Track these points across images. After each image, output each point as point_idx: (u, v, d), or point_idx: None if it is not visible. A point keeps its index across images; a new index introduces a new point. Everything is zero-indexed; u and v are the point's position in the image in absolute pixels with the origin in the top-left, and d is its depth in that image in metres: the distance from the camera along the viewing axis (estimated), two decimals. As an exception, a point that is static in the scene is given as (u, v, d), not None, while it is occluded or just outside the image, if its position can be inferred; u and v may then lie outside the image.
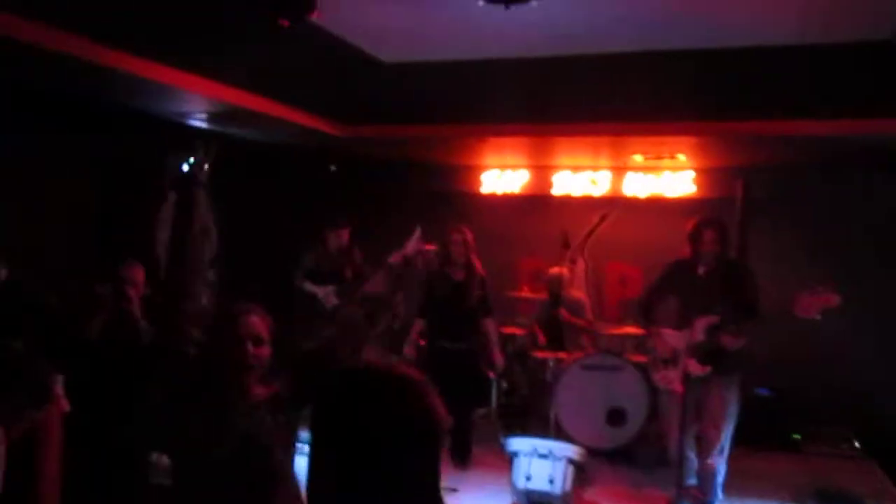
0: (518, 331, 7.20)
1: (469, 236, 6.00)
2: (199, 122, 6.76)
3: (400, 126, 6.71)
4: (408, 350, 6.10)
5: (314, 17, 4.10)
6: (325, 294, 7.18)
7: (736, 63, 5.24)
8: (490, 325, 6.06)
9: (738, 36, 4.97)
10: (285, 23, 3.93)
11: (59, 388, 3.53)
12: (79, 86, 5.66)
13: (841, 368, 6.96)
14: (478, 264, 6.03)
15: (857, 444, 6.86)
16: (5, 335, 4.11)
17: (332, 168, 8.54)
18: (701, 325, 5.02)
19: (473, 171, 8.42)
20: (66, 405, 3.52)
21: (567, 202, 8.12)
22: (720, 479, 5.18)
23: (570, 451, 5.04)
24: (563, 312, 6.96)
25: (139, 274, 4.99)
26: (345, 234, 7.28)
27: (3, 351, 3.27)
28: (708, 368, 5.03)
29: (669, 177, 7.74)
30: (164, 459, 3.77)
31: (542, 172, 8.22)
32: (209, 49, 5.06)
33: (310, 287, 7.22)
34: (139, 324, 4.73)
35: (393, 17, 5.11)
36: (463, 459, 6.06)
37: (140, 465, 4.20)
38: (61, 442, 3.43)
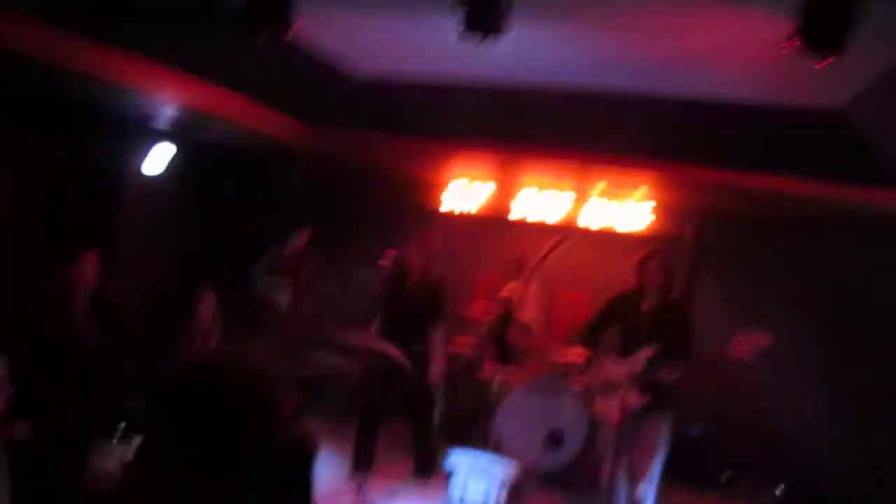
0: (465, 348, 7.31)
1: (432, 243, 6.03)
2: (165, 124, 6.76)
3: (365, 135, 6.77)
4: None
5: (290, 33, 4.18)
6: (280, 292, 7.24)
7: (699, 113, 5.46)
8: (438, 330, 6.02)
9: (704, 88, 5.21)
10: (262, 37, 3.99)
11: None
12: (42, 82, 5.56)
13: (771, 416, 7.18)
14: (435, 269, 6.06)
15: (778, 493, 7.07)
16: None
17: (297, 170, 8.55)
18: (642, 357, 5.18)
19: (434, 187, 8.49)
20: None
21: (524, 225, 8.22)
22: (647, 509, 5.34)
23: (506, 469, 5.15)
24: (512, 335, 7.09)
25: (88, 270, 4.88)
26: (302, 240, 7.34)
27: None
28: (646, 399, 5.19)
29: (627, 209, 7.92)
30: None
31: (502, 193, 8.32)
32: (180, 49, 5.06)
33: (265, 284, 7.26)
34: (75, 320, 4.68)
35: (369, 34, 5.24)
36: (423, 469, 6.12)
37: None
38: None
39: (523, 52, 5.06)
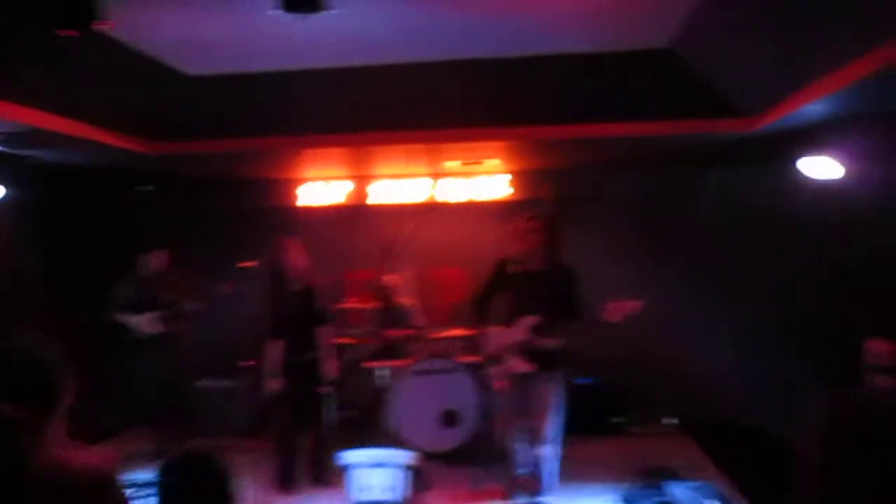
0: (351, 341, 7.16)
1: (298, 249, 5.86)
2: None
3: (214, 141, 6.48)
4: (272, 385, 5.82)
5: (109, 29, 3.91)
6: (146, 322, 6.83)
7: (538, 70, 5.50)
8: (324, 332, 5.92)
9: (539, 44, 5.25)
10: (73, 33, 3.70)
11: None
12: None
13: (655, 356, 7.43)
14: (308, 274, 5.92)
15: (674, 421, 7.37)
16: None
17: (149, 189, 8.12)
18: (524, 325, 5.15)
19: (293, 185, 8.28)
20: None
21: (388, 211, 8.16)
22: (553, 468, 5.35)
23: (406, 457, 5.06)
24: (394, 323, 6.98)
25: None
26: (163, 258, 6.97)
27: None
28: (533, 366, 5.18)
29: (486, 180, 7.99)
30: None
31: (361, 182, 8.21)
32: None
33: (125, 317, 6.85)
34: None
35: (194, 29, 4.96)
36: (322, 476, 5.93)
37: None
38: None
39: (352, 34, 4.94)
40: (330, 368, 5.89)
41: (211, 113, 6.17)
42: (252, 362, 5.84)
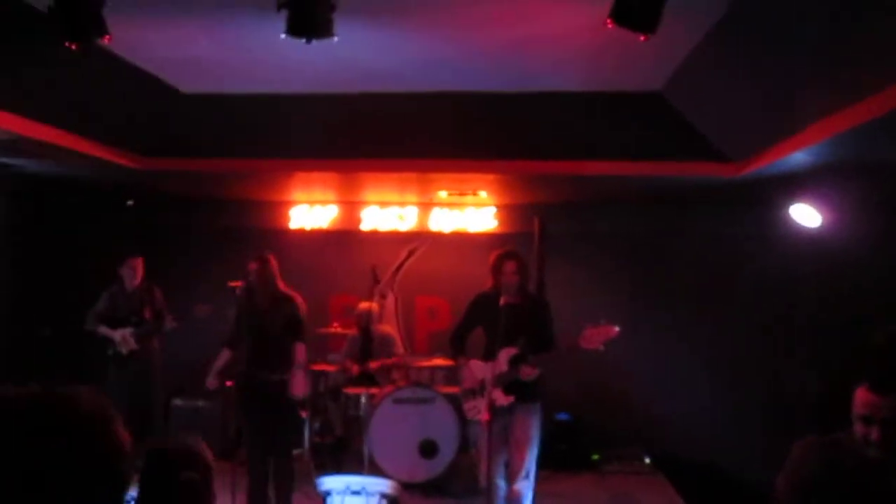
0: (330, 367, 7.11)
1: (270, 264, 5.78)
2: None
3: (204, 159, 6.45)
4: (210, 383, 5.68)
5: (107, 43, 3.92)
6: (122, 337, 6.74)
7: (531, 106, 5.59)
8: (298, 349, 5.62)
9: (533, 81, 5.34)
10: (73, 45, 3.71)
11: None
12: None
13: (633, 393, 7.49)
14: (282, 287, 5.73)
15: (647, 461, 7.39)
16: None
17: (130, 203, 8.06)
18: (504, 357, 5.17)
19: (281, 207, 8.28)
20: None
21: (375, 237, 8.19)
22: (528, 502, 5.34)
23: (384, 485, 5.00)
24: (374, 350, 6.93)
25: None
26: (138, 267, 6.88)
27: None
28: (512, 398, 5.20)
29: (472, 212, 8.05)
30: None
31: (350, 208, 8.24)
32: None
33: (104, 331, 6.76)
34: None
35: (190, 47, 4.98)
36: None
37: None
38: None
39: (350, 62, 4.99)
40: (297, 384, 5.55)
41: (202, 132, 6.17)
42: (230, 383, 5.70)
